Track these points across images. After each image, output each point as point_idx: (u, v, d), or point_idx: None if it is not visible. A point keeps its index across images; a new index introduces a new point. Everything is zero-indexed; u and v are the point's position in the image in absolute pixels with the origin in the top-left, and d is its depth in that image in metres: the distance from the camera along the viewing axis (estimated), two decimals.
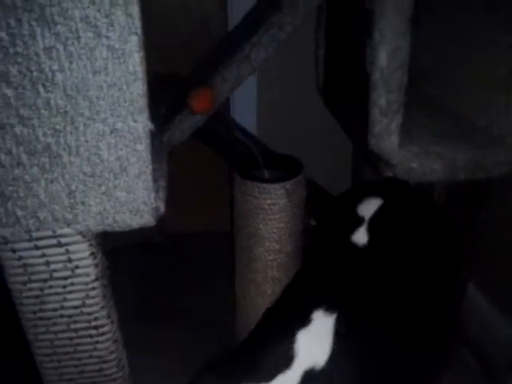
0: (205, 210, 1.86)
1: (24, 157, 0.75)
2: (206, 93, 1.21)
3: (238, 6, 1.64)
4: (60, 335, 0.93)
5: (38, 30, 0.66)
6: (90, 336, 0.94)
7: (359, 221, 1.03)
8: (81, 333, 0.94)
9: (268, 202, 1.21)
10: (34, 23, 0.66)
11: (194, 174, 1.78)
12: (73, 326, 0.93)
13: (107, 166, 0.78)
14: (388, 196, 1.10)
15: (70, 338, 0.94)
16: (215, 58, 1.33)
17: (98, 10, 0.67)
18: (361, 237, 1.01)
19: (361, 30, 1.02)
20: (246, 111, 1.79)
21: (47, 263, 0.85)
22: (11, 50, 0.67)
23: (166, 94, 1.30)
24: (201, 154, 1.69)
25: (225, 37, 1.64)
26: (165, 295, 1.66)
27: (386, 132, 1.03)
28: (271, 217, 1.22)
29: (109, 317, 0.95)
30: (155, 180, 0.84)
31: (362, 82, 1.04)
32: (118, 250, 1.13)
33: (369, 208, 1.06)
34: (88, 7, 0.67)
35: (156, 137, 0.87)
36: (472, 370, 1.38)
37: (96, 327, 0.93)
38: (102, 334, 0.95)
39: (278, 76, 1.74)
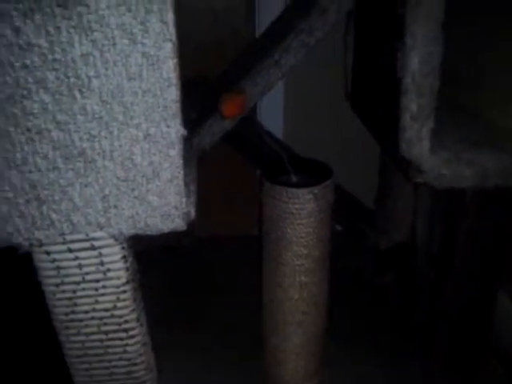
0: (233, 214, 1.86)
1: (60, 161, 0.76)
2: (237, 98, 1.21)
3: (266, 10, 1.65)
4: (91, 337, 0.94)
5: (76, 37, 0.68)
6: (120, 339, 0.95)
7: None
8: (111, 335, 0.95)
9: (296, 206, 1.21)
10: (71, 30, 0.67)
11: (222, 178, 1.79)
12: (103, 329, 0.94)
13: (140, 171, 0.79)
14: None
15: (101, 340, 0.95)
16: (244, 64, 1.34)
17: (134, 17, 0.68)
18: None
19: (392, 35, 1.01)
20: (272, 116, 1.79)
21: (80, 266, 0.86)
22: (50, 57, 0.68)
23: (196, 98, 1.31)
24: (230, 159, 1.69)
25: (253, 42, 1.65)
26: (193, 298, 1.67)
27: (417, 137, 1.02)
28: (299, 221, 1.22)
29: (138, 320, 0.95)
30: (186, 185, 0.84)
31: (392, 87, 1.03)
32: (146, 252, 1.14)
33: None
34: (124, 14, 0.68)
35: (187, 141, 0.88)
36: (500, 379, 1.36)
37: (126, 330, 0.94)
38: (132, 336, 0.95)
39: (305, 80, 1.74)
